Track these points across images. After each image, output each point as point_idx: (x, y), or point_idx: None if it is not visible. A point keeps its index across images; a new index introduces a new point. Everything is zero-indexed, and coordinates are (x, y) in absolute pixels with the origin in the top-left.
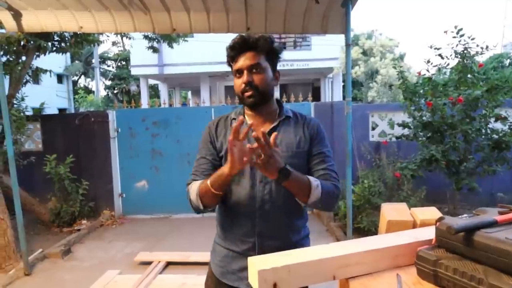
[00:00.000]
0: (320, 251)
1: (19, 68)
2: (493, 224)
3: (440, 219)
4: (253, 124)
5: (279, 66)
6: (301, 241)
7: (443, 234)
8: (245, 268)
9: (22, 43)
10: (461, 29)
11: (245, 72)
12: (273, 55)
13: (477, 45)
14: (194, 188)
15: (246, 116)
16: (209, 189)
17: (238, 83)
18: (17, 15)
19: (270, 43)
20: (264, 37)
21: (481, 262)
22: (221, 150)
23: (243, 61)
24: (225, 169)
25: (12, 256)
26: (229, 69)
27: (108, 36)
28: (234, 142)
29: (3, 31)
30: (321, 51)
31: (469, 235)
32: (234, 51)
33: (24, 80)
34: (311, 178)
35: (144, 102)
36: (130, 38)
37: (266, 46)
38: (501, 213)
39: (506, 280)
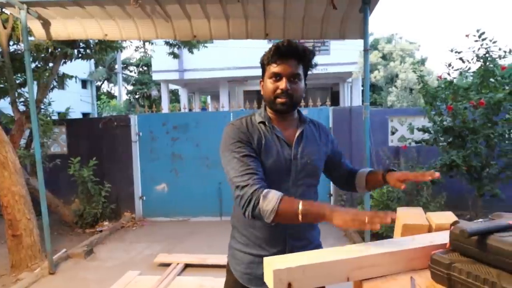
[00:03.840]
0: (335, 252)
1: (47, 74)
2: (507, 228)
3: (454, 223)
4: (393, 217)
5: None
6: (320, 239)
7: (457, 237)
8: None
9: (50, 50)
10: (483, 33)
11: (285, 79)
12: (308, 68)
13: (500, 49)
14: (273, 199)
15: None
16: (296, 215)
17: (273, 87)
18: (46, 24)
19: (312, 57)
20: (309, 50)
21: (495, 265)
22: (256, 150)
23: (285, 67)
24: (327, 211)
25: (37, 255)
26: (248, 73)
27: (131, 42)
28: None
29: (32, 38)
30: (340, 56)
31: (482, 239)
32: (278, 54)
33: (51, 86)
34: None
35: (165, 106)
36: (152, 44)
37: (308, 58)
38: None
39: None
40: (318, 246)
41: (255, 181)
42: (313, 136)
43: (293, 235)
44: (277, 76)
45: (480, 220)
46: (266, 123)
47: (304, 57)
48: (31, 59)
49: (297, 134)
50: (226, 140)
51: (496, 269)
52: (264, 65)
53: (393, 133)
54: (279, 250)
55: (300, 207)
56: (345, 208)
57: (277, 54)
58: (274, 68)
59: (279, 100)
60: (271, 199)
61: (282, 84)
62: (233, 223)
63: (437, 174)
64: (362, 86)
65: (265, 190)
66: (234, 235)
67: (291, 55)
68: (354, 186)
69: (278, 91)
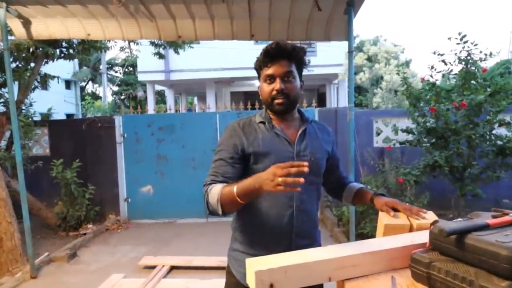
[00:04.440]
0: (316, 253)
1: (28, 74)
2: (484, 227)
3: (434, 223)
4: (305, 165)
5: None
6: (320, 237)
7: (436, 237)
8: None
9: (31, 50)
10: (464, 36)
11: (278, 79)
12: (302, 65)
13: (481, 51)
14: (215, 192)
15: (272, 120)
16: (234, 198)
17: (268, 89)
18: (26, 23)
19: (303, 54)
20: (298, 47)
21: (473, 264)
22: (247, 152)
23: (276, 68)
24: (257, 184)
25: (19, 259)
26: (235, 74)
27: (115, 42)
28: (286, 171)
29: (12, 38)
30: (326, 57)
31: (460, 238)
32: (268, 57)
33: (33, 86)
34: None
35: (151, 107)
36: (137, 44)
37: (299, 56)
38: (494, 217)
39: (496, 282)
40: (318, 243)
41: (212, 181)
42: (316, 134)
43: (299, 233)
44: (270, 78)
45: (460, 219)
46: (266, 122)
47: (295, 55)
48: (11, 59)
49: (300, 132)
50: (219, 141)
51: (474, 267)
52: (258, 70)
53: (378, 134)
54: (284, 249)
55: (235, 189)
56: (264, 174)
57: (268, 57)
58: (266, 71)
59: (276, 101)
60: (215, 191)
61: (277, 84)
62: (234, 224)
63: (426, 214)
64: (348, 87)
65: (211, 185)
66: (236, 237)
67: (281, 55)
68: (340, 196)
69: (274, 92)
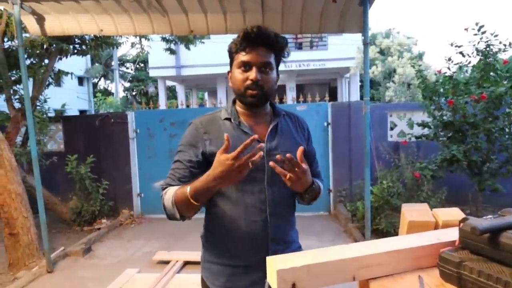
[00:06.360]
0: (340, 251)
1: (42, 70)
2: None
3: (463, 220)
4: (255, 138)
5: (296, 67)
6: (299, 241)
7: (467, 235)
8: (256, 282)
9: (45, 46)
10: (482, 26)
11: (254, 68)
12: (280, 57)
13: (500, 42)
14: (170, 194)
15: (239, 116)
16: (187, 199)
17: (242, 77)
18: (40, 19)
19: (285, 45)
20: (282, 37)
21: (507, 264)
22: (210, 153)
23: (254, 55)
24: (211, 180)
25: (35, 254)
26: None
27: (127, 38)
28: (238, 155)
29: (27, 35)
30: (338, 51)
31: (494, 236)
32: (247, 42)
33: (47, 83)
34: (319, 182)
35: (162, 103)
36: (148, 40)
37: (280, 45)
38: None
39: None
40: (298, 248)
41: (167, 185)
42: (289, 129)
43: (275, 239)
44: (246, 66)
45: (490, 216)
46: (232, 119)
47: (276, 45)
48: (25, 56)
49: (270, 128)
50: (182, 138)
51: (509, 267)
52: (232, 53)
53: (392, 128)
54: (261, 257)
55: (188, 190)
56: (216, 166)
57: (246, 41)
58: (243, 56)
59: (249, 92)
60: (169, 195)
61: (252, 74)
62: (204, 233)
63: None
64: (360, 81)
65: (165, 190)
66: (207, 247)
67: (261, 42)
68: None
69: (248, 82)
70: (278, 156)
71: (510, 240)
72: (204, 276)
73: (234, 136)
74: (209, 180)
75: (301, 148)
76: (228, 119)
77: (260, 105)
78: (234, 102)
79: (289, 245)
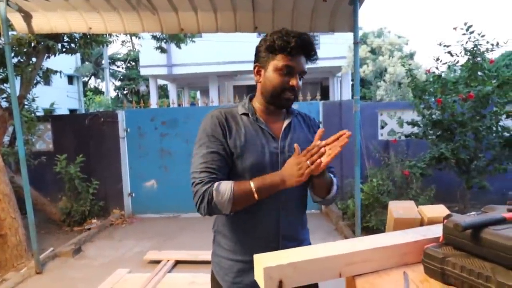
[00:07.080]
0: (326, 248)
1: (30, 69)
2: (501, 221)
3: (447, 217)
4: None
5: None
6: (310, 239)
7: (451, 231)
8: None
9: (32, 44)
10: (470, 26)
11: (297, 76)
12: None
13: (487, 42)
14: (226, 190)
15: (256, 112)
16: (252, 195)
17: (281, 80)
18: (27, 17)
19: (316, 58)
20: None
21: (489, 259)
22: (236, 148)
23: (298, 62)
24: (278, 178)
25: (23, 255)
26: (238, 68)
27: (117, 36)
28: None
29: (14, 32)
30: (329, 50)
31: (476, 232)
32: (295, 48)
33: (35, 81)
34: (331, 175)
35: (153, 102)
36: (139, 38)
37: (315, 59)
38: (509, 210)
39: None
40: (309, 245)
41: (210, 179)
42: (301, 128)
43: (286, 236)
44: (289, 70)
45: (473, 213)
46: (250, 115)
47: (313, 57)
48: (12, 54)
49: (284, 125)
50: (201, 131)
51: (491, 263)
52: (269, 53)
53: (382, 127)
54: None
55: (253, 185)
56: (286, 165)
57: (294, 47)
58: (288, 60)
59: (287, 96)
60: (224, 189)
61: (294, 81)
62: (217, 228)
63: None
64: (352, 80)
65: (216, 184)
66: (219, 242)
67: (304, 51)
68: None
69: (288, 86)
70: (296, 145)
71: (492, 236)
72: (214, 270)
73: (251, 131)
74: (278, 180)
75: (321, 130)
76: (246, 114)
77: (289, 108)
78: (250, 99)
79: (300, 243)
